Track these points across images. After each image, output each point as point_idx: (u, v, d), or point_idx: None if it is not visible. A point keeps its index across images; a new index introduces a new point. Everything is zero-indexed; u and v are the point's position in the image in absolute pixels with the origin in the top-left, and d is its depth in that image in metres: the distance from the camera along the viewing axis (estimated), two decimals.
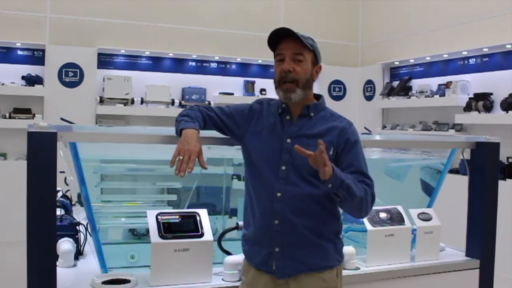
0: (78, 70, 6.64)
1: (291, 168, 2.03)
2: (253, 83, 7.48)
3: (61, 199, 3.11)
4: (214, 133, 2.23)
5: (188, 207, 2.66)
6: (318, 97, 2.20)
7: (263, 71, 7.63)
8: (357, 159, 2.06)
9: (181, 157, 1.94)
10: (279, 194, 2.03)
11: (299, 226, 2.03)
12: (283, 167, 2.04)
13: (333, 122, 2.11)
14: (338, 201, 1.97)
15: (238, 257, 2.36)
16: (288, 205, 2.03)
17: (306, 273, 2.05)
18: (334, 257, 2.10)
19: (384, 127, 7.38)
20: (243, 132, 2.17)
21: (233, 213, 2.82)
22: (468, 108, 5.86)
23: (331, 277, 2.09)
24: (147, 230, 2.38)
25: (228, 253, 2.46)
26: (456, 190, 3.45)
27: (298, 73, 2.06)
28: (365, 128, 4.48)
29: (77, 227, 2.62)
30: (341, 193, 1.91)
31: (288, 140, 2.07)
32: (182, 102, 7.01)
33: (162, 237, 2.22)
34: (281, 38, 2.08)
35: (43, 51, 6.53)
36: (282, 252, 2.04)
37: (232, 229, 2.51)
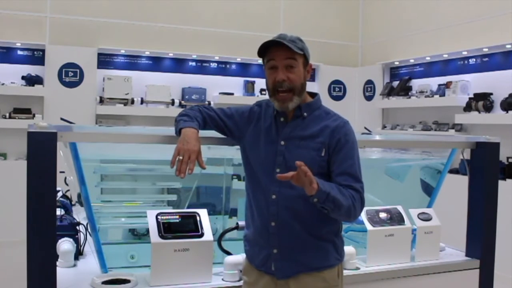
0: (78, 70, 6.64)
1: (285, 171, 2.00)
2: (253, 83, 7.48)
3: (61, 199, 3.11)
4: (214, 133, 2.23)
5: (188, 207, 2.66)
6: (313, 95, 2.17)
7: (263, 71, 7.58)
8: (347, 160, 2.01)
9: (180, 157, 1.93)
10: (274, 197, 2.03)
11: (295, 228, 2.02)
12: (278, 170, 2.03)
13: (326, 121, 2.07)
14: (325, 212, 1.94)
15: (238, 257, 2.36)
16: (283, 207, 2.02)
17: (305, 273, 2.05)
18: (334, 256, 2.09)
19: (384, 127, 7.38)
20: (242, 134, 2.17)
21: (233, 213, 2.82)
22: (468, 108, 5.86)
23: (332, 276, 2.08)
24: (147, 230, 2.38)
25: (228, 253, 2.46)
26: (456, 190, 3.45)
27: (293, 81, 2.03)
28: (365, 128, 4.49)
29: (77, 227, 2.62)
30: (328, 206, 1.89)
31: (282, 142, 2.06)
32: (182, 102, 7.00)
33: (162, 237, 2.22)
34: (270, 45, 2.03)
35: (43, 51, 6.53)
36: (280, 253, 2.04)
37: (232, 229, 2.51)
